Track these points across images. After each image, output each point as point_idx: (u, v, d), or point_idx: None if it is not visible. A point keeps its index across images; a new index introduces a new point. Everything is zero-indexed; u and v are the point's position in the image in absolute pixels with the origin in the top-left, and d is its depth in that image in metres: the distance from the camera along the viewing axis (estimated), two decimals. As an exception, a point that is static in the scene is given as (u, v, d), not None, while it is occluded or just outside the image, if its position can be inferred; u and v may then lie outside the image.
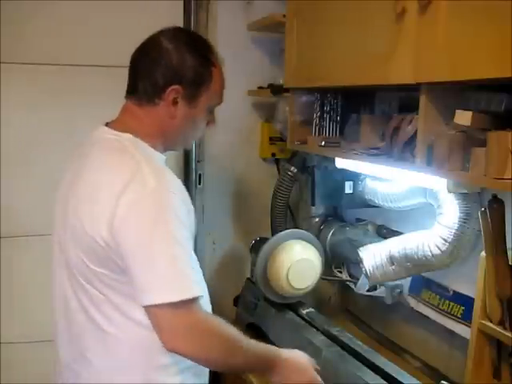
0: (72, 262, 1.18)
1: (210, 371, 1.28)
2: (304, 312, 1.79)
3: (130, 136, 1.17)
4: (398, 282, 1.70)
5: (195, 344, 1.08)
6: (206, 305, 1.24)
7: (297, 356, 1.27)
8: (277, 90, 1.94)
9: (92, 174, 1.16)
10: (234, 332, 1.14)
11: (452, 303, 1.56)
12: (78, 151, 1.25)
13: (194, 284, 1.08)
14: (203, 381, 1.25)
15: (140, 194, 1.07)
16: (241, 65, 2.13)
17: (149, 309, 1.07)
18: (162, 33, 1.21)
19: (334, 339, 1.60)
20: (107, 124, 1.23)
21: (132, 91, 1.21)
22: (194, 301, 1.07)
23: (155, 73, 1.17)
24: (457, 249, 1.41)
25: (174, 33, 1.22)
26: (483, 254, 1.24)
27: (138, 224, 1.06)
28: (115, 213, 1.06)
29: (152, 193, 1.07)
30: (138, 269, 1.07)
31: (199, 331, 1.09)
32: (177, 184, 1.13)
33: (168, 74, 1.17)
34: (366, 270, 1.61)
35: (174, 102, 1.19)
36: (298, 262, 1.73)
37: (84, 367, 1.20)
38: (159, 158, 1.20)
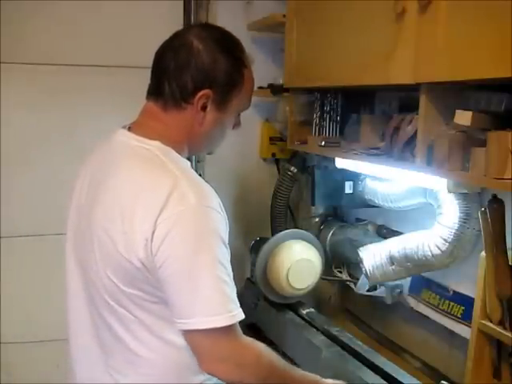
0: (98, 280, 1.10)
1: None
2: (304, 312, 1.79)
3: (159, 144, 1.08)
4: (397, 282, 1.70)
5: (233, 370, 1.05)
6: None
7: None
8: (277, 89, 1.94)
9: (123, 188, 1.06)
10: (274, 360, 1.11)
11: (452, 303, 1.56)
12: (97, 155, 1.18)
13: (237, 308, 1.03)
14: None
15: (180, 212, 0.99)
16: (241, 65, 2.13)
17: (189, 333, 1.02)
18: (190, 30, 1.13)
19: (334, 339, 1.60)
20: (129, 128, 1.15)
21: (156, 93, 1.12)
22: (236, 325, 1.03)
23: (184, 75, 1.08)
24: (457, 249, 1.41)
25: (203, 31, 1.12)
26: (483, 253, 1.24)
27: (179, 245, 1.00)
28: (154, 233, 0.99)
29: (193, 210, 1.00)
30: (180, 292, 1.01)
31: (239, 358, 1.05)
32: (215, 197, 1.06)
33: (198, 77, 1.08)
34: (365, 270, 1.61)
35: (203, 107, 1.10)
36: (298, 262, 1.73)
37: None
38: (187, 165, 1.12)
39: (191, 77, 1.08)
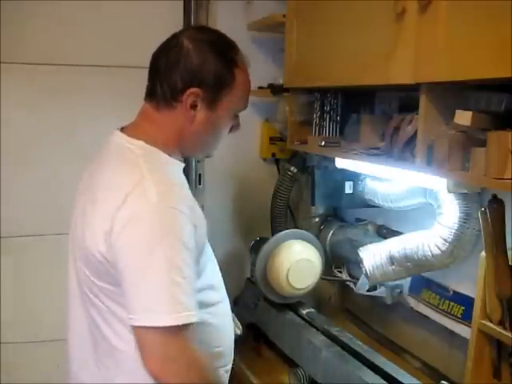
0: (78, 274, 1.14)
1: None
2: (304, 312, 1.79)
3: (143, 143, 1.11)
4: (397, 282, 1.70)
5: (181, 372, 1.04)
6: (224, 312, 1.23)
7: None
8: (277, 89, 1.94)
9: (97, 186, 1.11)
10: (215, 377, 1.13)
11: (452, 303, 1.56)
12: (97, 157, 1.19)
13: (186, 311, 1.01)
14: None
15: (138, 209, 1.01)
16: (241, 65, 2.13)
17: (136, 329, 1.03)
18: (183, 32, 1.15)
19: (334, 339, 1.60)
20: (123, 128, 1.17)
21: (150, 94, 1.15)
22: (186, 329, 1.02)
23: (174, 74, 1.10)
24: (457, 249, 1.41)
25: (195, 32, 1.15)
26: (483, 253, 1.24)
27: (133, 243, 1.02)
28: (112, 228, 1.01)
29: (152, 209, 1.01)
30: (131, 288, 1.03)
31: (188, 360, 1.05)
32: (183, 199, 1.06)
33: (187, 75, 1.10)
34: (365, 270, 1.61)
35: (193, 106, 1.12)
36: (298, 262, 1.73)
37: (95, 380, 1.16)
38: (175, 166, 1.14)
39: (180, 76, 1.10)
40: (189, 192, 1.12)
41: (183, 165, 1.18)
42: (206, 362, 1.10)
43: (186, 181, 1.17)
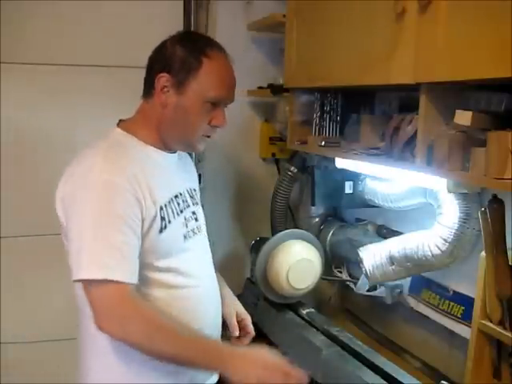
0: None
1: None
2: (304, 312, 1.79)
3: (120, 131, 1.26)
4: (397, 282, 1.70)
5: (115, 324, 1.12)
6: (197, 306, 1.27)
7: (259, 352, 1.16)
8: (277, 89, 1.94)
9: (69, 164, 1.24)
10: (163, 319, 1.17)
11: (452, 303, 1.56)
12: None
13: (104, 268, 1.11)
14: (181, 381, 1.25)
15: (80, 182, 1.16)
16: (241, 65, 2.13)
17: (84, 289, 1.14)
18: (173, 35, 1.27)
19: (334, 339, 1.60)
20: (120, 121, 1.31)
21: (143, 90, 1.28)
22: (121, 284, 1.11)
23: (152, 66, 1.25)
24: (457, 249, 1.41)
25: (180, 33, 1.28)
26: (483, 253, 1.24)
27: (71, 208, 1.16)
28: (63, 198, 1.19)
29: (92, 181, 1.14)
30: (71, 249, 1.16)
31: (120, 312, 1.12)
32: (126, 174, 1.16)
33: (159, 64, 1.23)
34: (365, 270, 1.61)
35: (164, 90, 1.22)
36: (298, 262, 1.73)
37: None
38: (145, 150, 1.25)
39: (155, 66, 1.24)
40: (144, 172, 1.20)
41: (163, 153, 1.29)
42: (146, 311, 1.15)
43: (156, 164, 1.26)
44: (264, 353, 1.16)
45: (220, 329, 1.37)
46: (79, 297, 1.19)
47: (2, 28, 1.86)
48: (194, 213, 1.35)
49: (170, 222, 1.23)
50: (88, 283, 1.13)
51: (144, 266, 1.19)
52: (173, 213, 1.25)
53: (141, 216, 1.17)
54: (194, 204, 1.36)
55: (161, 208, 1.21)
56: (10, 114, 1.94)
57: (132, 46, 1.96)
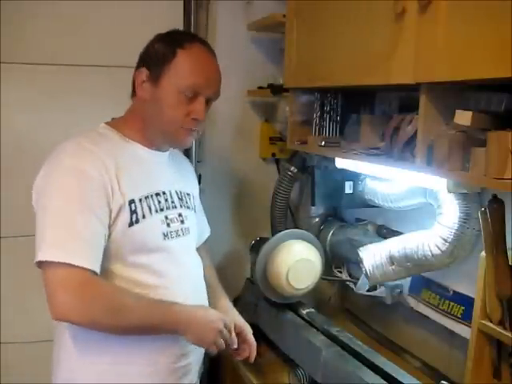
0: None
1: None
2: (304, 312, 1.79)
3: (104, 125, 1.31)
4: (397, 282, 1.70)
5: (77, 305, 1.12)
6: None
7: (206, 311, 1.29)
8: (277, 89, 1.94)
9: None
10: (120, 292, 1.19)
11: (452, 303, 1.56)
12: None
13: (66, 251, 1.12)
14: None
15: (49, 169, 1.20)
16: (241, 65, 2.13)
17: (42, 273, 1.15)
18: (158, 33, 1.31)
19: (334, 339, 1.60)
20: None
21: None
22: (79, 269, 1.12)
23: (137, 67, 1.30)
24: (457, 249, 1.41)
25: (166, 32, 1.31)
26: (483, 253, 1.24)
27: (40, 194, 1.19)
28: (35, 184, 1.22)
29: (60, 169, 1.18)
30: (36, 232, 1.17)
31: (81, 292, 1.12)
32: (96, 164, 1.18)
33: (140, 60, 1.29)
34: (365, 270, 1.61)
35: (143, 86, 1.26)
36: (298, 262, 1.73)
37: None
38: (124, 145, 1.28)
39: (138, 65, 1.30)
40: (119, 163, 1.22)
41: (151, 151, 1.31)
42: (103, 289, 1.17)
43: (137, 159, 1.28)
44: (211, 314, 1.28)
45: None
46: None
47: (2, 28, 1.86)
48: (180, 215, 1.33)
49: (144, 217, 1.23)
50: (47, 266, 1.12)
51: (112, 258, 1.20)
52: (149, 209, 1.25)
53: (108, 206, 1.18)
54: (182, 206, 1.35)
55: (132, 201, 1.22)
56: (10, 114, 1.93)
57: (132, 46, 1.94)
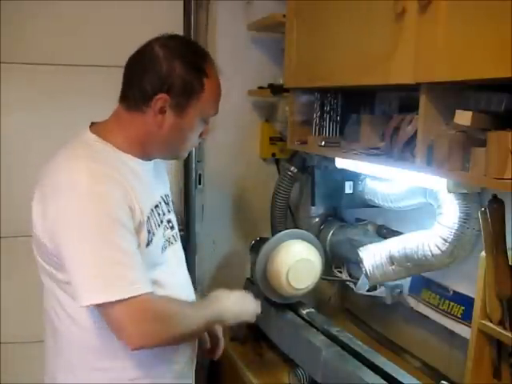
0: (37, 262, 1.22)
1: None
2: (304, 312, 1.79)
3: (94, 137, 1.18)
4: (397, 282, 1.70)
5: (148, 334, 1.10)
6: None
7: (238, 297, 1.32)
8: (277, 89, 1.94)
9: (45, 175, 1.18)
10: (173, 303, 1.19)
11: (452, 303, 1.56)
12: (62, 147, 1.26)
13: (126, 284, 1.07)
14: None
15: (69, 197, 1.08)
16: (241, 65, 2.13)
17: (100, 310, 1.10)
18: (156, 39, 1.19)
19: (334, 339, 1.60)
20: (94, 123, 1.24)
21: (123, 96, 1.20)
22: (131, 298, 1.07)
23: (144, 80, 1.15)
24: (457, 249, 1.41)
25: (168, 39, 1.19)
26: (483, 253, 1.24)
27: (68, 227, 1.08)
28: (48, 215, 1.10)
29: (82, 195, 1.08)
30: (73, 271, 1.09)
31: (148, 321, 1.10)
32: (113, 184, 1.11)
33: (156, 81, 1.14)
34: (365, 270, 1.61)
35: (162, 111, 1.16)
36: (298, 262, 1.73)
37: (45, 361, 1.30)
38: (122, 158, 1.18)
39: (150, 82, 1.15)
40: (128, 181, 1.15)
41: (142, 161, 1.22)
42: (165, 307, 1.16)
43: (134, 172, 1.19)
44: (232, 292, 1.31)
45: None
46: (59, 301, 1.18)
47: (2, 28, 1.86)
48: (169, 221, 1.30)
49: (154, 234, 1.19)
50: (106, 304, 1.07)
51: None
52: (155, 224, 1.21)
53: (133, 227, 1.12)
54: (169, 211, 1.32)
55: (147, 219, 1.17)
56: (10, 114, 1.94)
57: (132, 46, 1.95)
